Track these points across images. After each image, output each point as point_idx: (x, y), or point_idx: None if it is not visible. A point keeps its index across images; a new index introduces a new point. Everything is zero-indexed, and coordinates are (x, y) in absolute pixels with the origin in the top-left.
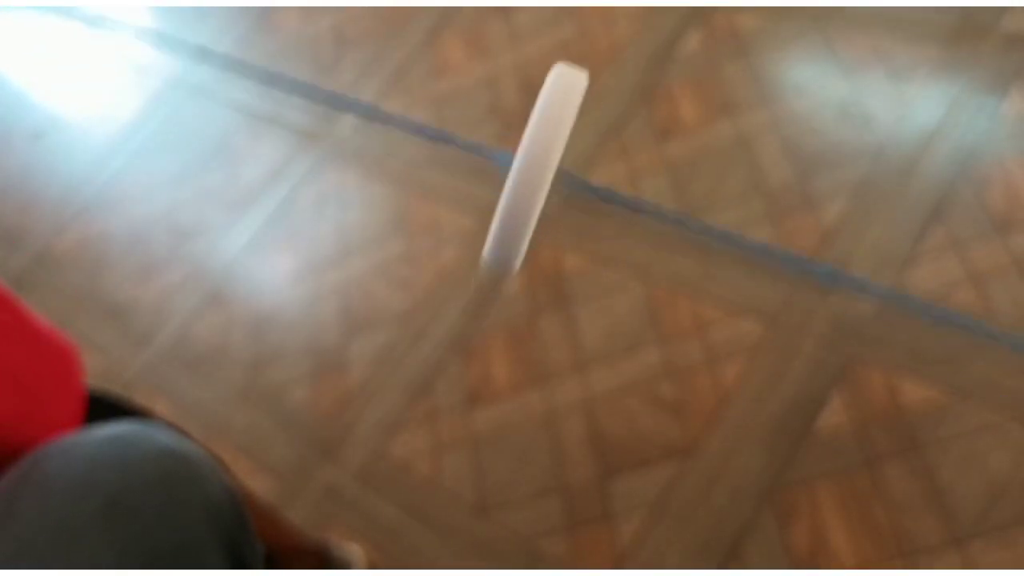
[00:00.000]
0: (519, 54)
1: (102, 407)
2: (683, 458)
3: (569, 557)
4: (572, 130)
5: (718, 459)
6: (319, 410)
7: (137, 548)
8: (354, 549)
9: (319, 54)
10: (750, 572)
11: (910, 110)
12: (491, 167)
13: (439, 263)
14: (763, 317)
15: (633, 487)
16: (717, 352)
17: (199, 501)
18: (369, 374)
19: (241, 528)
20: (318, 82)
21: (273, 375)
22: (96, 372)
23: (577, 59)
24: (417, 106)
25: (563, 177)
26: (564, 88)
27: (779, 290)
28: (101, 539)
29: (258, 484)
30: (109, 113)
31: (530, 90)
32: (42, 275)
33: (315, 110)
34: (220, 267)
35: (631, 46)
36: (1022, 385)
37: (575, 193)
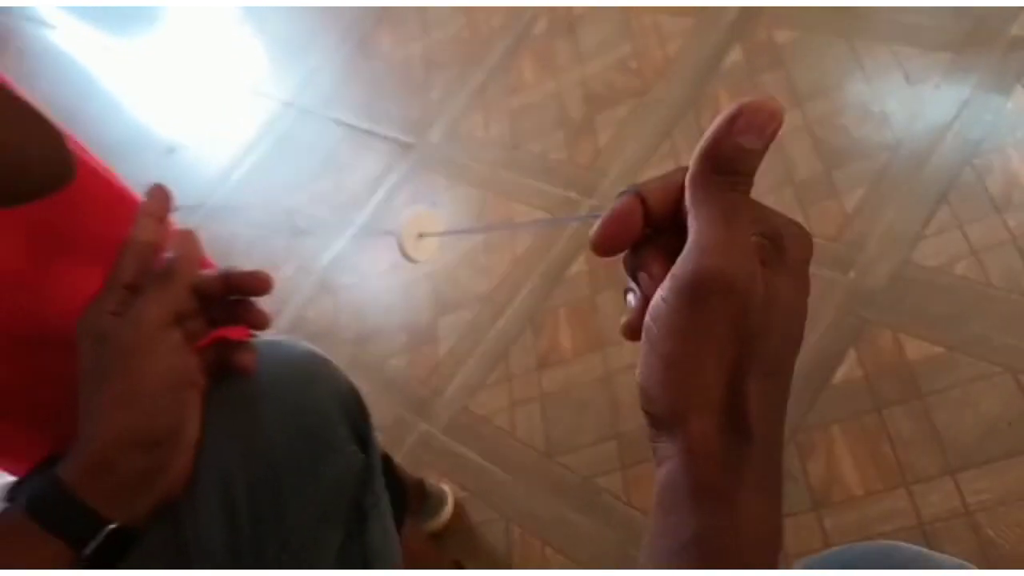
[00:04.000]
0: (583, 71)
1: None
2: None
3: (623, 490)
4: (626, 133)
5: None
6: (413, 376)
7: (291, 417)
8: (445, 487)
9: (410, 76)
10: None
11: (924, 109)
12: (560, 169)
13: (515, 252)
14: None
15: None
16: None
17: (332, 388)
18: (455, 346)
19: (362, 415)
20: (410, 100)
21: (374, 349)
22: None
23: (634, 73)
24: (494, 120)
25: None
26: None
27: None
28: (269, 407)
29: None
30: (231, 131)
31: (592, 102)
32: None
33: (408, 124)
34: (329, 260)
35: (681, 60)
36: (1011, 341)
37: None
